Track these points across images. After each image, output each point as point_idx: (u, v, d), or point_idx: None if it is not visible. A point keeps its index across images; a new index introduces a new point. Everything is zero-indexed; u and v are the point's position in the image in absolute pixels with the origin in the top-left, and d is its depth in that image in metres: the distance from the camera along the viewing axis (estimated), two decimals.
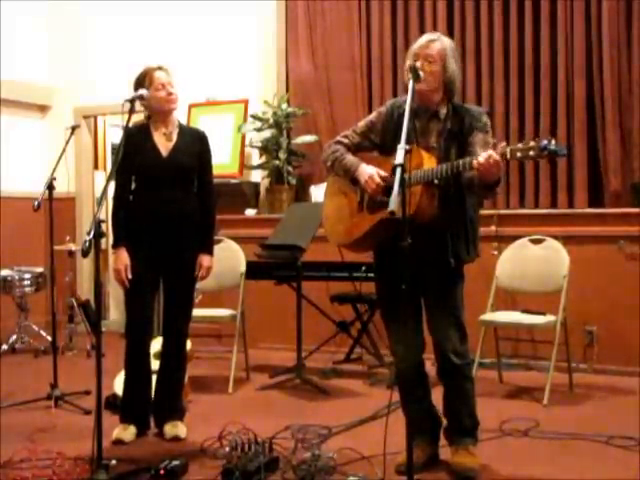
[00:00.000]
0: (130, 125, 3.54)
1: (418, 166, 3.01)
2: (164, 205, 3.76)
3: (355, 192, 3.28)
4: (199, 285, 4.00)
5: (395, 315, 3.18)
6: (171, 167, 3.78)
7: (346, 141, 3.33)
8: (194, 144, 3.88)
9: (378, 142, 3.28)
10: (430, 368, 3.42)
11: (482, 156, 2.85)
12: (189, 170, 3.83)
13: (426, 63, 3.10)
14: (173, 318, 3.89)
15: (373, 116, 3.34)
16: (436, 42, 3.15)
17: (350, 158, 3.26)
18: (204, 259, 3.85)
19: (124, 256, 3.73)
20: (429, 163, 3.05)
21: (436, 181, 3.03)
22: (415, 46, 3.18)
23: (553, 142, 2.77)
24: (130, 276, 3.71)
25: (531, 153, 2.79)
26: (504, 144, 2.90)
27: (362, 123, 3.37)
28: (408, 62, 3.11)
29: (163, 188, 3.76)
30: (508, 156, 2.84)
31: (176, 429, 3.81)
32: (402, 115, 2.87)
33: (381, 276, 3.38)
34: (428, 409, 3.39)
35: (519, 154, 2.82)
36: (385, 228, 3.09)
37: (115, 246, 3.78)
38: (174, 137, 3.84)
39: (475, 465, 3.24)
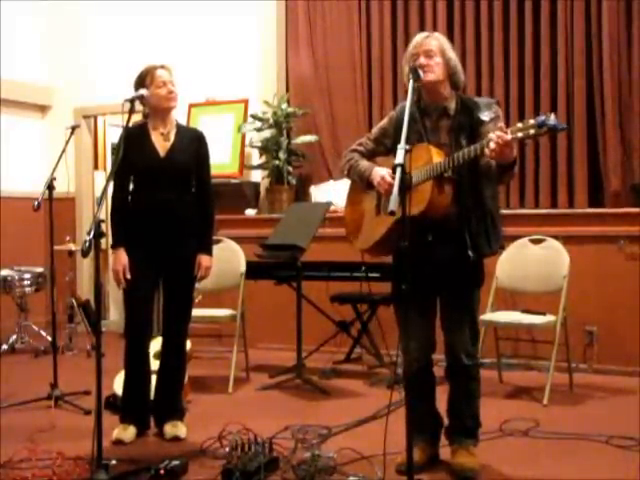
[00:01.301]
0: (126, 125, 3.53)
1: (428, 162, 3.03)
2: (162, 205, 3.75)
3: (372, 196, 3.30)
4: (199, 285, 3.99)
5: (409, 314, 3.18)
6: (168, 167, 3.78)
7: (361, 148, 3.38)
8: (192, 144, 3.87)
9: (391, 146, 3.27)
10: (435, 368, 3.41)
11: (492, 140, 2.81)
12: (186, 170, 3.83)
13: (428, 58, 3.11)
14: (173, 318, 3.89)
15: (385, 122, 3.37)
16: (429, 37, 3.20)
17: (364, 163, 3.31)
18: (203, 259, 3.85)
19: (123, 257, 3.73)
20: (438, 159, 3.05)
21: (446, 174, 3.03)
22: (410, 47, 3.20)
23: (552, 117, 2.71)
24: (129, 276, 3.71)
25: (531, 131, 2.75)
26: (502, 125, 2.87)
27: (375, 129, 3.41)
28: (407, 67, 3.12)
29: (161, 188, 3.75)
30: (509, 137, 2.80)
31: (176, 429, 3.81)
32: (411, 117, 2.87)
33: (398, 275, 3.38)
34: (431, 409, 3.39)
35: (520, 134, 2.78)
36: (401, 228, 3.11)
37: (114, 247, 3.78)
38: (172, 137, 3.83)
39: (475, 465, 3.23)
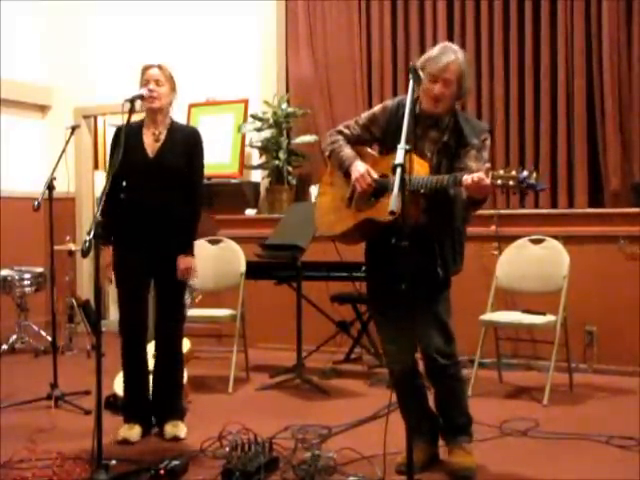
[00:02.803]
0: (125, 124, 3.51)
1: (408, 172, 2.99)
2: (151, 205, 3.73)
3: (347, 186, 3.26)
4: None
5: (386, 315, 3.18)
6: (157, 168, 3.75)
7: (347, 132, 3.30)
8: (184, 143, 3.82)
9: (379, 136, 3.25)
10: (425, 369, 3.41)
11: (474, 177, 2.82)
12: (176, 171, 3.77)
13: (445, 88, 3.03)
14: (164, 318, 3.87)
15: (377, 109, 3.29)
16: (454, 63, 3.03)
17: (347, 152, 3.23)
18: (181, 261, 3.76)
19: (107, 254, 3.73)
20: (420, 170, 3.01)
21: (422, 190, 3.00)
22: (432, 65, 3.04)
23: (534, 176, 2.74)
24: (112, 275, 3.72)
25: (510, 183, 2.76)
26: (488, 165, 2.90)
27: (365, 115, 3.32)
28: (422, 75, 2.99)
29: (151, 189, 3.73)
30: (489, 180, 2.80)
31: (176, 429, 3.81)
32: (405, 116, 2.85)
33: (373, 275, 3.38)
34: (425, 409, 3.39)
35: (499, 181, 2.78)
36: (369, 228, 3.12)
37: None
38: (162, 137, 3.80)
39: (472, 464, 3.23)
